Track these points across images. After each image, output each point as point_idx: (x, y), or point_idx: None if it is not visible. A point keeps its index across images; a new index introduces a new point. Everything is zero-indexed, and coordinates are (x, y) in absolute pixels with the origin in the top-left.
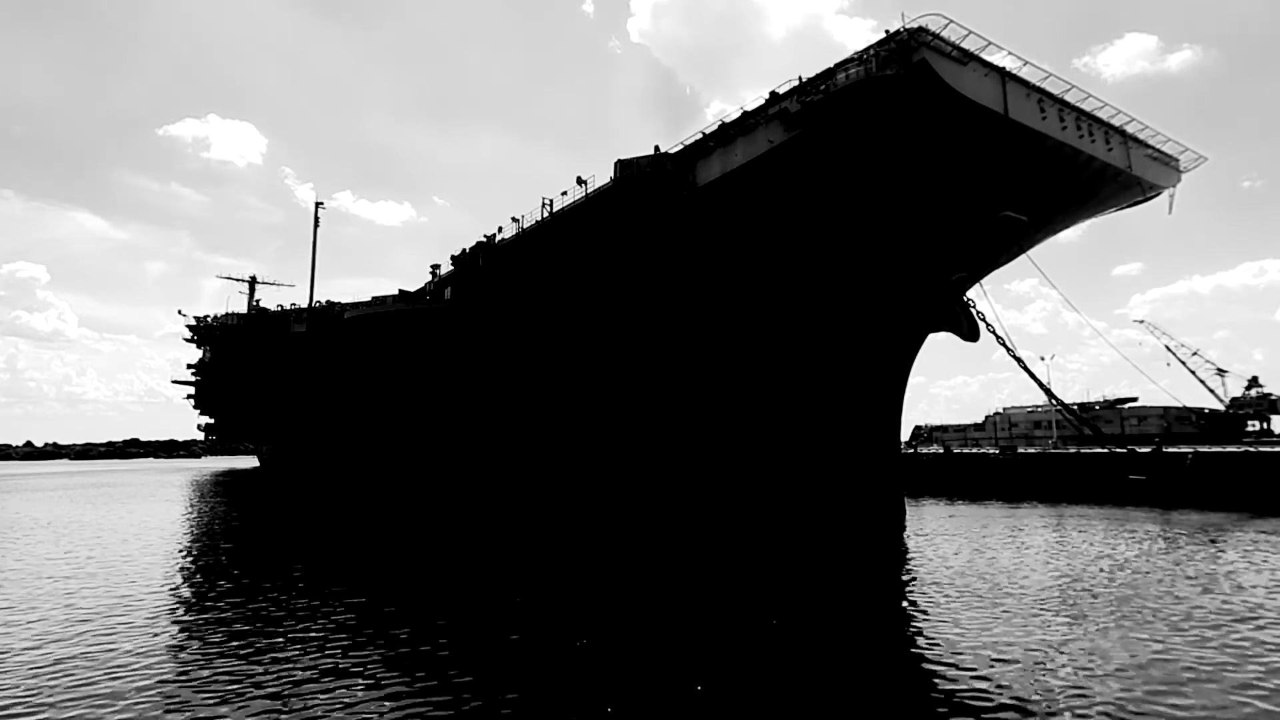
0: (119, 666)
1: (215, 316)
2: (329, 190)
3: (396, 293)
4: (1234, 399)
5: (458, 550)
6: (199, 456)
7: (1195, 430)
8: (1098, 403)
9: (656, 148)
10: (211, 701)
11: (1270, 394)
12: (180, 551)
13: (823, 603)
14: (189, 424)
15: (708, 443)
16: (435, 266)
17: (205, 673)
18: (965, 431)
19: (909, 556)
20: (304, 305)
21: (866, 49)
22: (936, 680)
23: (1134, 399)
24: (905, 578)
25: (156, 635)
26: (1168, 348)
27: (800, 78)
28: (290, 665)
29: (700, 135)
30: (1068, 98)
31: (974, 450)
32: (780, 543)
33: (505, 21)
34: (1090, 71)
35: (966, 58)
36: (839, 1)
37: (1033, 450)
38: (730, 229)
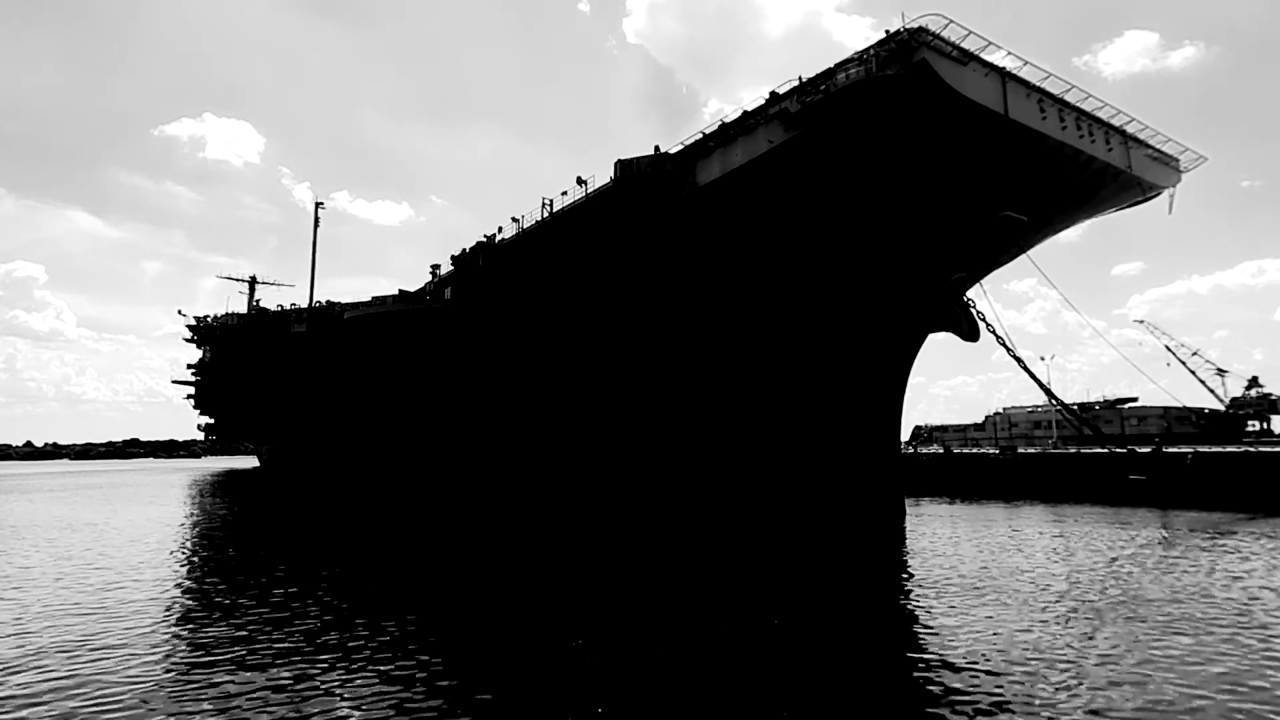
0: (119, 667)
1: (215, 316)
2: (326, 190)
3: (396, 293)
4: (1234, 399)
5: (458, 550)
6: (199, 456)
7: (1195, 430)
8: (1098, 403)
9: (656, 147)
10: (211, 702)
11: (1270, 394)
12: (182, 552)
13: (823, 602)
14: (189, 424)
15: (708, 443)
16: (435, 266)
17: (206, 673)
18: (965, 431)
19: (909, 556)
20: (304, 305)
21: (867, 49)
22: (937, 679)
23: (1134, 399)
24: (905, 577)
25: (157, 636)
26: (1168, 348)
27: (800, 78)
28: (288, 665)
29: (700, 135)
30: (1068, 98)
31: (974, 450)
32: (780, 543)
33: (501, 21)
34: (1090, 70)
35: (966, 58)
36: None
37: (1033, 450)
38: (730, 229)
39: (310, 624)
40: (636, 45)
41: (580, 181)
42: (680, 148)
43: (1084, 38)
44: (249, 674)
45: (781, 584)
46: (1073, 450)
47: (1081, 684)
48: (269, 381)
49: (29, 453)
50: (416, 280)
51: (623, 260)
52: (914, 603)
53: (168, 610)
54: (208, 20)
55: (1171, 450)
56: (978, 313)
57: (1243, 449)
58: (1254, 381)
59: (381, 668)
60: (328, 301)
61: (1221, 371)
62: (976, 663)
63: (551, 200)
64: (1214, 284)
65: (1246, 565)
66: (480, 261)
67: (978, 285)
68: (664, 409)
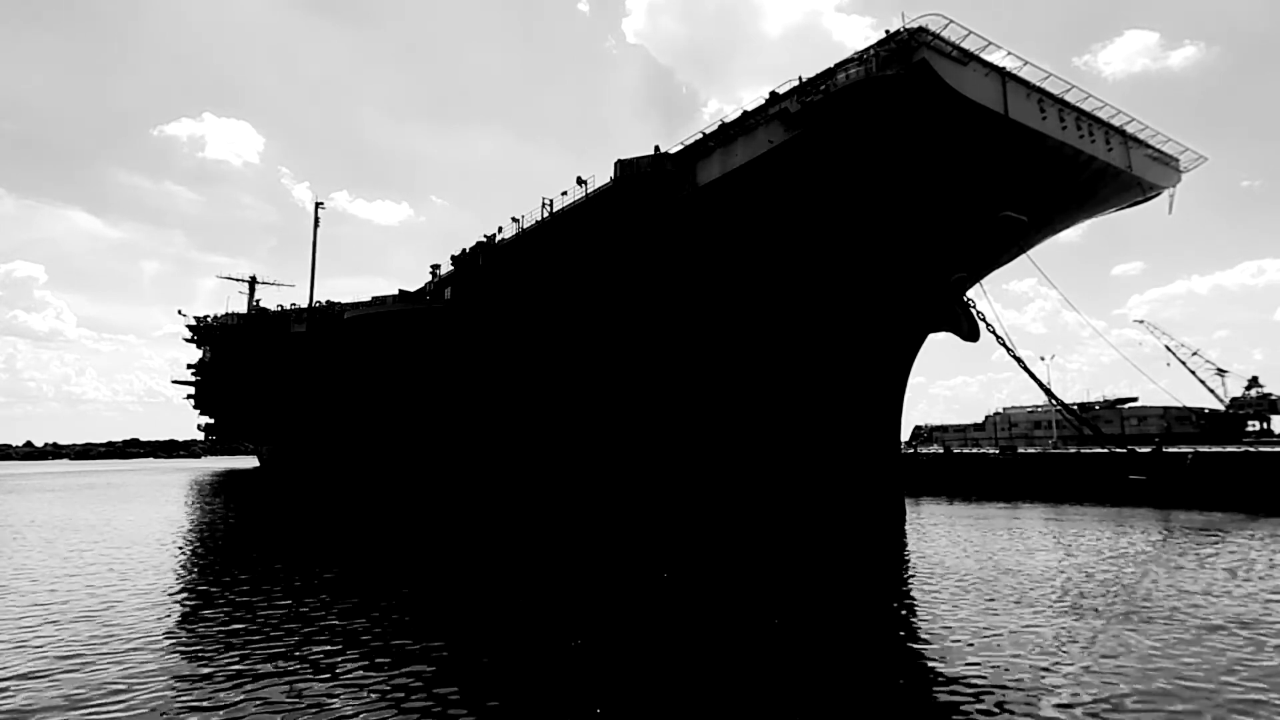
0: (119, 671)
1: (215, 316)
2: (325, 190)
3: (396, 293)
4: (1234, 399)
5: (457, 550)
6: (199, 456)
7: (1195, 430)
8: (1098, 403)
9: (656, 148)
10: (212, 702)
11: (1270, 394)
12: (183, 553)
13: (823, 602)
14: (189, 424)
15: (708, 443)
16: (435, 266)
17: (207, 674)
18: (965, 431)
19: (909, 556)
20: (304, 305)
21: (867, 49)
22: (936, 679)
23: (1134, 399)
24: (905, 577)
25: (158, 638)
26: (1168, 348)
27: (800, 78)
28: (289, 666)
29: (700, 135)
30: (1068, 98)
31: (974, 450)
32: (781, 542)
33: (501, 21)
34: (1090, 70)
35: (967, 58)
36: None
37: (1033, 450)
38: (730, 229)
39: (311, 625)
40: (636, 45)
41: (580, 181)
42: (680, 148)
43: (1084, 38)
44: (251, 677)
45: (782, 584)
46: (1073, 450)
47: (1082, 684)
48: (269, 381)
49: (29, 453)
50: (416, 280)
51: (623, 260)
52: (914, 603)
53: (169, 612)
54: (208, 20)
55: (1171, 450)
56: (978, 313)
57: (1243, 449)
58: (1254, 381)
59: (383, 668)
60: (328, 301)
61: (1221, 371)
62: (977, 663)
63: (551, 200)
64: (1214, 284)
65: (1247, 565)
66: (480, 261)
67: (978, 285)
68: (664, 409)
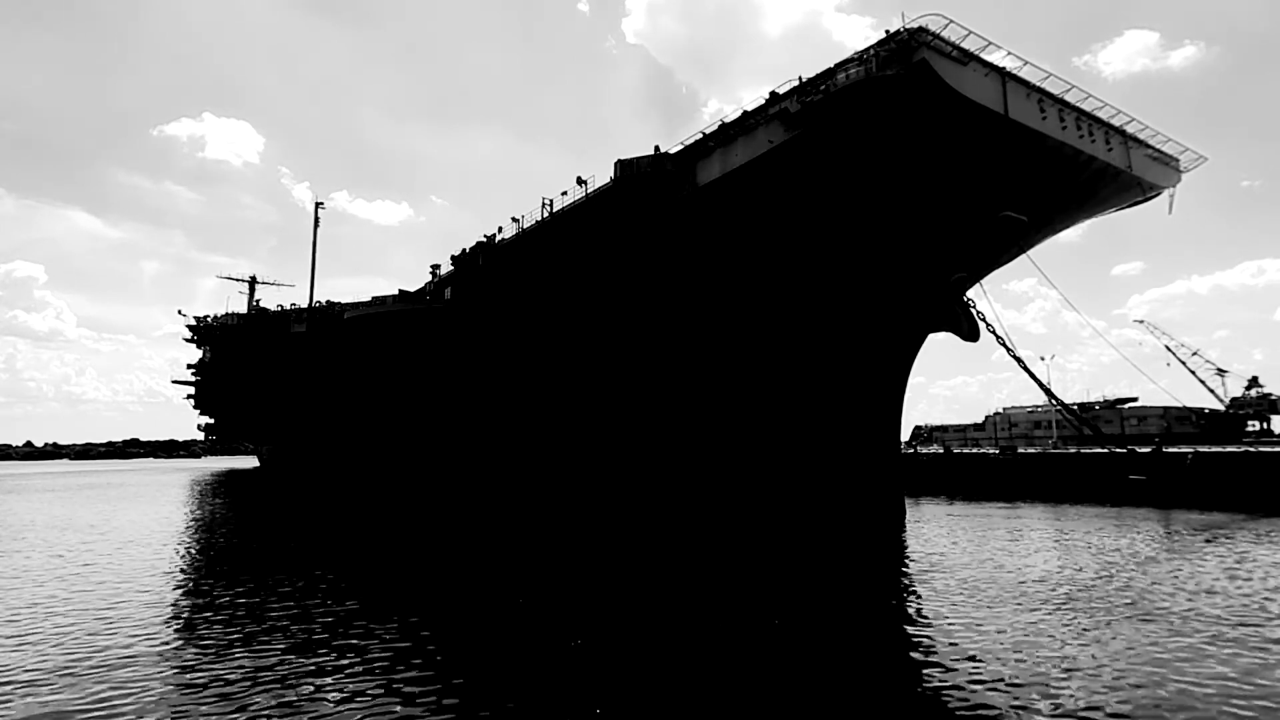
0: (119, 674)
1: (215, 316)
2: (325, 190)
3: (396, 293)
4: (1234, 399)
5: (457, 550)
6: (199, 456)
7: (1195, 430)
8: (1098, 403)
9: (656, 148)
10: (212, 703)
11: (1270, 394)
12: (183, 554)
13: (824, 602)
14: (189, 424)
15: (708, 442)
16: (435, 266)
17: (206, 674)
18: (965, 431)
19: (909, 556)
20: (304, 305)
21: (867, 49)
22: (937, 679)
23: (1134, 399)
24: (905, 577)
25: (158, 640)
26: (1168, 348)
27: (800, 78)
28: (290, 667)
29: (700, 135)
30: (1068, 98)
31: (974, 450)
32: (780, 542)
33: (501, 21)
34: (1090, 70)
35: (967, 58)
36: None
37: (1033, 450)
38: (730, 229)
39: (311, 626)
40: (636, 45)
41: (580, 181)
42: (680, 148)
43: (1084, 38)
44: (251, 678)
45: (782, 584)
46: (1073, 450)
47: (1082, 684)
48: (269, 381)
49: (29, 453)
50: (416, 280)
51: (623, 260)
52: (914, 603)
53: (168, 614)
54: (208, 20)
55: (1171, 450)
56: (978, 313)
57: (1243, 449)
58: (1254, 381)
59: (383, 669)
60: (328, 301)
61: (1221, 371)
62: (976, 663)
63: (551, 200)
64: (1214, 284)
65: (1247, 565)
66: (480, 261)
67: (978, 285)
68: (664, 409)
